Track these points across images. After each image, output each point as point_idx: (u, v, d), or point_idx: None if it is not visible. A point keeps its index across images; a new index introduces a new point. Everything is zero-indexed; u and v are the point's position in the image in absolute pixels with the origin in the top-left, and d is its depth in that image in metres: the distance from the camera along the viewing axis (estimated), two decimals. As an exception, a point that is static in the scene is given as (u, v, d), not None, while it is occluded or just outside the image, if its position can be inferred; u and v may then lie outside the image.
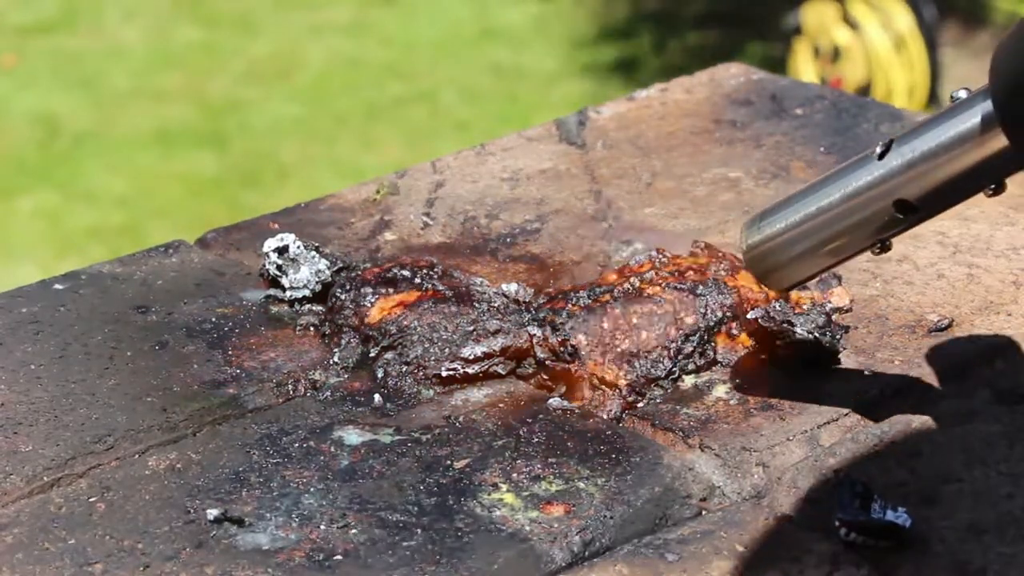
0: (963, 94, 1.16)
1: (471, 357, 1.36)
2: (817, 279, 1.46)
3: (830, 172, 1.24)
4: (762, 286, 1.34)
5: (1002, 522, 1.18)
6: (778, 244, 1.26)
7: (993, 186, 1.16)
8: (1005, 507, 1.19)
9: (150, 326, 1.45)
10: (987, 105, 1.12)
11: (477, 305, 1.39)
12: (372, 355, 1.38)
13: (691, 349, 1.36)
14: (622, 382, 1.34)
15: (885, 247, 1.23)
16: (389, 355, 1.37)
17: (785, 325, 1.37)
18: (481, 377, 1.36)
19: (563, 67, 5.91)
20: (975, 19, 6.08)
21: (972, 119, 1.14)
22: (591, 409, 1.33)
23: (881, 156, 1.19)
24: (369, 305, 1.42)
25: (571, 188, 1.70)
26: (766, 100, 1.88)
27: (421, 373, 1.36)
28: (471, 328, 1.37)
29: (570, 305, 1.38)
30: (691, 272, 1.42)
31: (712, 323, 1.38)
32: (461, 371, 1.36)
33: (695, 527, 1.20)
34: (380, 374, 1.36)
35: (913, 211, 1.19)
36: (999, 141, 1.13)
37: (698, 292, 1.39)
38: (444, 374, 1.36)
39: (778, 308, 1.38)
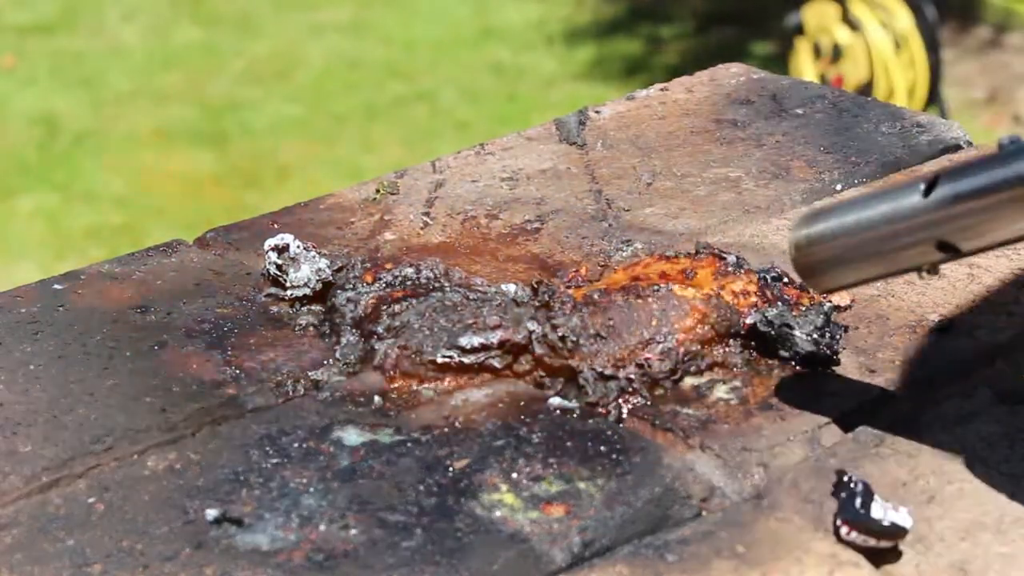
0: (1006, 140, 1.14)
1: (468, 347, 1.36)
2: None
3: (880, 190, 1.23)
4: (808, 286, 1.34)
5: (1002, 522, 1.18)
6: (823, 251, 1.25)
7: None
8: (1005, 507, 1.19)
9: (149, 326, 1.45)
10: None
11: (478, 301, 1.39)
12: (373, 348, 1.38)
13: (692, 350, 1.36)
14: (622, 381, 1.34)
15: (933, 271, 1.22)
16: (388, 341, 1.37)
17: (783, 328, 1.37)
18: (477, 369, 1.36)
19: (563, 67, 5.91)
20: (970, 18, 6.08)
21: (1018, 172, 1.12)
22: (591, 409, 1.33)
23: (926, 192, 1.17)
24: (369, 304, 1.42)
25: (571, 188, 1.70)
26: (766, 100, 1.88)
27: (418, 359, 1.36)
28: (471, 321, 1.37)
29: (570, 303, 1.38)
30: (692, 273, 1.42)
31: (713, 324, 1.37)
32: (457, 360, 1.35)
33: (695, 527, 1.20)
34: (379, 359, 1.36)
35: (955, 251, 1.17)
36: None
37: (700, 292, 1.39)
38: (440, 360, 1.36)
39: (775, 311, 1.38)
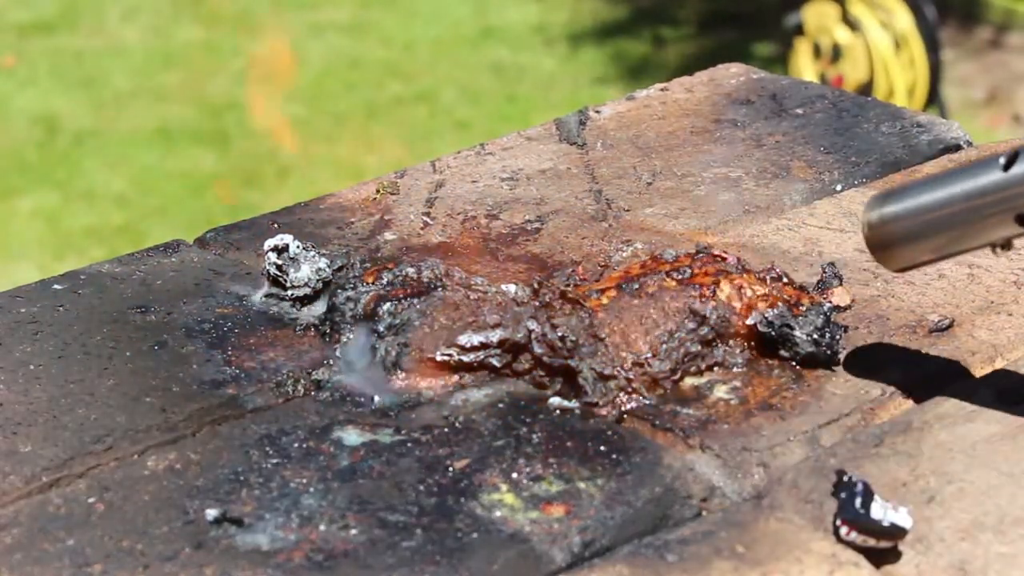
0: None
1: (467, 345, 1.36)
2: (818, 279, 1.46)
3: (954, 169, 1.26)
4: (880, 264, 1.35)
5: (1002, 522, 1.18)
6: (896, 230, 1.28)
7: None
8: (1005, 507, 1.19)
9: (149, 326, 1.45)
10: None
11: (478, 301, 1.39)
12: (373, 346, 1.38)
13: (693, 350, 1.36)
14: (622, 381, 1.34)
15: (1007, 247, 1.25)
16: (389, 338, 1.37)
17: (783, 328, 1.37)
18: (476, 367, 1.36)
19: (563, 67, 5.91)
20: (972, 18, 6.08)
21: None
22: (591, 409, 1.33)
23: (1006, 167, 1.20)
24: (369, 302, 1.42)
25: (571, 188, 1.70)
26: (766, 100, 1.88)
27: (418, 355, 1.36)
28: (471, 320, 1.37)
29: (569, 303, 1.38)
30: (692, 273, 1.42)
31: (714, 325, 1.37)
32: (456, 358, 1.36)
33: (695, 527, 1.20)
34: (379, 355, 1.36)
35: None
36: None
37: (701, 294, 1.39)
38: (439, 358, 1.36)
39: (776, 311, 1.38)
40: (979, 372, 1.37)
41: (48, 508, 1.22)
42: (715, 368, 1.37)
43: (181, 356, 1.40)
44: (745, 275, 1.42)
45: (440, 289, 1.41)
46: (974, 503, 1.20)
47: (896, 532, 1.15)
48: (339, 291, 1.45)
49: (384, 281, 1.44)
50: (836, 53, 5.10)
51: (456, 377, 1.36)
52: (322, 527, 1.19)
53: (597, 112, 1.86)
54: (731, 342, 1.38)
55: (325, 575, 1.14)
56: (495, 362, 1.36)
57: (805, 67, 5.14)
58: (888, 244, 1.30)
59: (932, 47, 5.01)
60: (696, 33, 6.24)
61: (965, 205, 1.24)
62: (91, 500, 1.22)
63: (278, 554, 1.16)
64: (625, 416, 1.33)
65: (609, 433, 1.29)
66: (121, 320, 1.46)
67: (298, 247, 1.49)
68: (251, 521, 1.19)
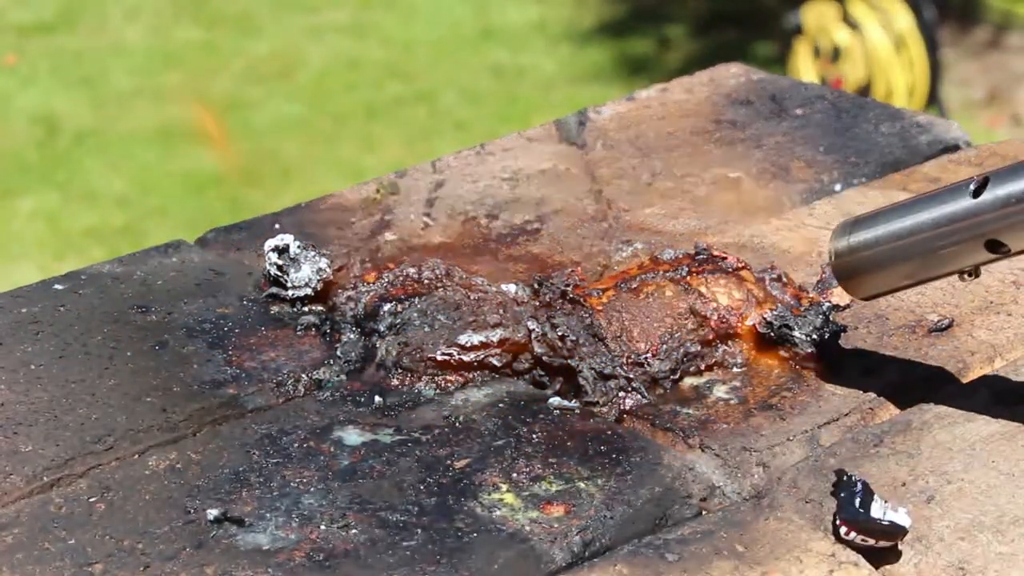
0: None
1: (468, 345, 1.36)
2: (818, 279, 1.47)
3: (922, 195, 1.26)
4: (847, 292, 1.35)
5: (1001, 522, 1.18)
6: (865, 257, 1.28)
7: None
8: (1004, 507, 1.19)
9: (150, 326, 1.45)
10: None
11: (478, 300, 1.40)
12: (375, 344, 1.38)
13: (693, 350, 1.36)
14: (622, 380, 1.34)
15: (975, 274, 1.25)
16: (389, 338, 1.38)
17: (783, 329, 1.37)
18: (476, 367, 1.36)
19: (563, 67, 5.91)
20: (971, 18, 6.08)
21: None
22: (591, 409, 1.33)
23: (976, 193, 1.20)
24: (370, 302, 1.42)
25: (571, 188, 1.70)
26: (766, 100, 1.88)
27: (418, 355, 1.36)
28: (471, 319, 1.38)
29: (570, 303, 1.38)
30: (694, 274, 1.42)
31: (714, 325, 1.38)
32: (456, 357, 1.36)
33: (695, 527, 1.20)
34: (380, 357, 1.37)
35: (1004, 250, 1.21)
36: None
37: (700, 294, 1.39)
38: (439, 358, 1.36)
39: (775, 312, 1.38)
40: (978, 372, 1.37)
41: (49, 508, 1.22)
42: (715, 368, 1.37)
43: (182, 356, 1.41)
44: (744, 275, 1.42)
45: (440, 289, 1.41)
46: (973, 503, 1.20)
47: (895, 532, 1.15)
48: (340, 291, 1.45)
49: (384, 281, 1.44)
50: (836, 54, 5.11)
51: (456, 377, 1.36)
52: (323, 527, 1.19)
53: (597, 112, 1.87)
54: (731, 342, 1.38)
55: (326, 575, 1.14)
56: (495, 362, 1.37)
57: (805, 68, 5.15)
58: (856, 272, 1.30)
59: (932, 47, 5.01)
60: (696, 33, 6.24)
61: (934, 232, 1.24)
62: (92, 500, 1.23)
63: (279, 553, 1.16)
64: (625, 416, 1.33)
65: (609, 433, 1.29)
66: (122, 320, 1.46)
67: (298, 247, 1.49)
68: (252, 521, 1.20)
